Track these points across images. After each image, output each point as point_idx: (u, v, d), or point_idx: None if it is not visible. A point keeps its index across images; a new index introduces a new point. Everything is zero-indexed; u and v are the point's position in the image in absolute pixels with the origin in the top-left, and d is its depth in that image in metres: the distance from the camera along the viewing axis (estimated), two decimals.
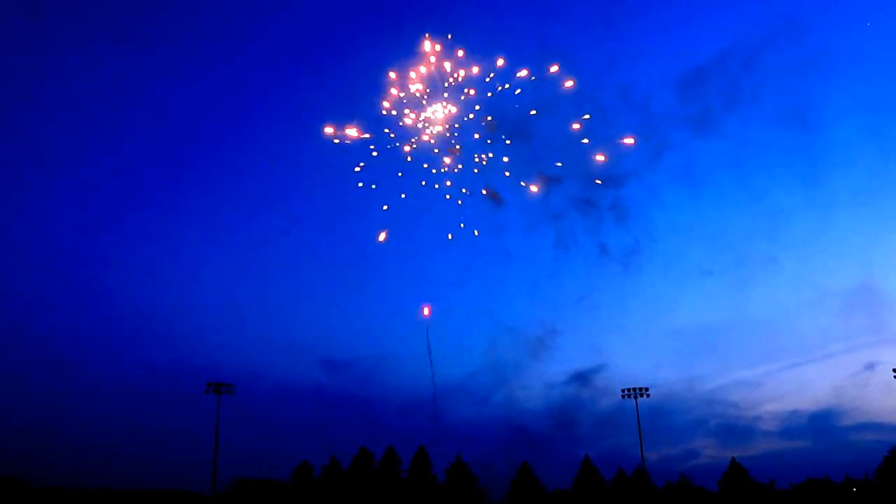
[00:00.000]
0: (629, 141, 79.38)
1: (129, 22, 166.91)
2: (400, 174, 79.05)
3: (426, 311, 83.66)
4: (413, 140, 77.82)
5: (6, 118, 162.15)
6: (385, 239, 79.90)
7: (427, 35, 75.28)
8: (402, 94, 76.51)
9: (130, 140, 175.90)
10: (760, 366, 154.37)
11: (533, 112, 77.44)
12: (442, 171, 78.97)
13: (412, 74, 76.04)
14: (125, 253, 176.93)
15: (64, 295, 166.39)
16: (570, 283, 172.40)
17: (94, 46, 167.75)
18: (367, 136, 77.13)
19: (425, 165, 78.57)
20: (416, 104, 76.79)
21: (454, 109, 76.80)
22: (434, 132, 77.43)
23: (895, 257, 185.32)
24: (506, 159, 79.61)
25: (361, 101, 79.92)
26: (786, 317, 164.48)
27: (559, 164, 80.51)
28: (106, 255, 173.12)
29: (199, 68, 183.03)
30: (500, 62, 75.96)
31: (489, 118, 77.98)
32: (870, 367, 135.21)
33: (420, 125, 77.37)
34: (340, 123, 77.24)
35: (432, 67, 75.74)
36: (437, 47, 75.18)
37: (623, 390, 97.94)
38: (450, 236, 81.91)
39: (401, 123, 77.13)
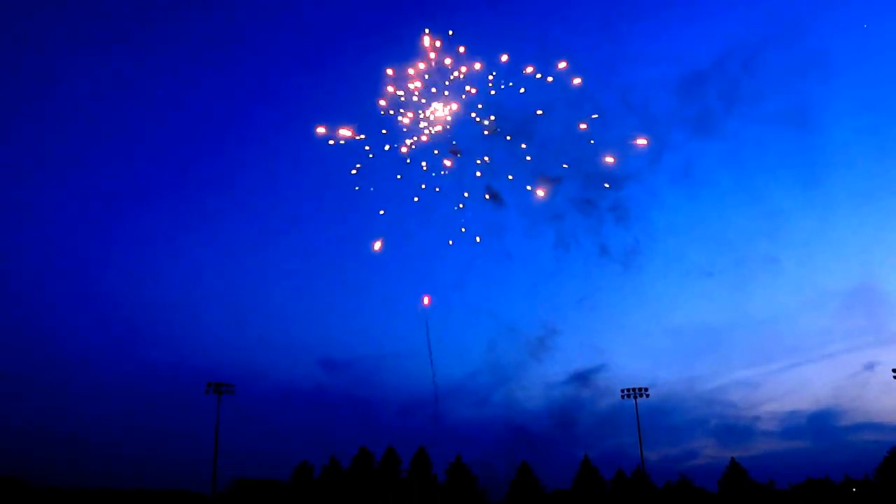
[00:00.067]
0: (642, 142, 79.46)
1: (129, 24, 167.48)
2: (399, 177, 78.93)
3: (426, 300, 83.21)
4: (411, 141, 77.71)
5: (7, 119, 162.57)
6: (381, 248, 79.65)
7: (427, 31, 74.95)
8: (400, 93, 76.33)
9: (130, 141, 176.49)
10: (760, 366, 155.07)
11: (539, 112, 77.26)
12: (441, 173, 78.88)
13: (410, 71, 75.76)
14: (125, 253, 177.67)
15: (64, 295, 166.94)
16: (570, 283, 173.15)
17: (94, 48, 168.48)
18: (361, 136, 76.95)
19: (424, 167, 78.50)
20: (416, 103, 76.64)
21: (455, 106, 76.55)
22: (434, 131, 77.31)
23: (895, 257, 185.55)
24: (507, 159, 79.60)
25: (363, 101, 79.51)
26: (786, 317, 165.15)
27: (565, 166, 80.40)
28: (106, 256, 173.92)
29: (200, 69, 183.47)
30: (504, 57, 75.53)
31: (493, 117, 77.79)
32: (869, 367, 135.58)
33: (421, 125, 77.29)
34: (341, 124, 77.07)
35: (432, 63, 75.46)
36: (438, 43, 74.85)
37: (623, 390, 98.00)
38: (450, 242, 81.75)
39: (399, 122, 77.03)
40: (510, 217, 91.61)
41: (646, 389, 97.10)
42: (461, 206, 78.88)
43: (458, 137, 78.20)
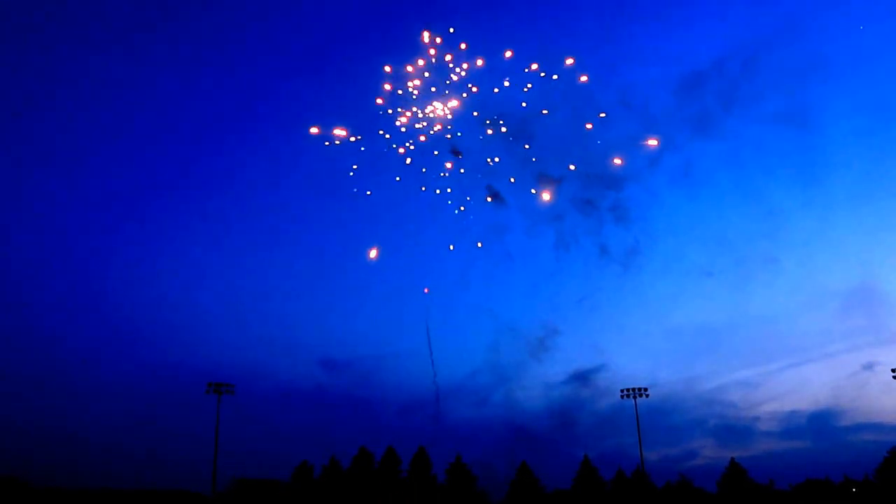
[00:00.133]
0: (653, 142, 79.72)
1: (130, 25, 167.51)
2: (398, 178, 79.00)
3: (426, 291, 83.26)
4: (411, 142, 77.73)
5: (9, 120, 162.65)
6: (376, 256, 79.77)
7: (427, 29, 74.94)
8: (400, 91, 76.32)
9: (130, 142, 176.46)
10: (760, 366, 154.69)
11: (545, 111, 77.43)
12: (441, 175, 78.89)
13: (409, 69, 75.69)
14: (125, 254, 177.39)
15: (64, 295, 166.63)
16: (570, 283, 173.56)
17: (95, 50, 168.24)
18: (358, 137, 77.02)
19: (424, 171, 78.58)
20: (417, 102, 76.64)
21: (456, 103, 76.54)
22: (434, 131, 77.33)
23: (894, 257, 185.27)
24: (508, 159, 79.62)
25: (365, 102, 79.73)
26: (785, 317, 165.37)
27: (573, 168, 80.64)
28: (106, 256, 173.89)
29: (200, 71, 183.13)
30: (509, 53, 75.48)
31: (498, 120, 77.81)
32: (869, 367, 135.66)
33: (421, 125, 77.27)
34: (342, 125, 77.15)
35: (432, 60, 75.44)
36: (438, 40, 74.81)
37: (622, 390, 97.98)
38: (451, 247, 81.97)
39: (399, 123, 77.04)
40: (511, 217, 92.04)
41: (645, 389, 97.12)
42: (462, 209, 79.03)
43: (458, 137, 78.30)
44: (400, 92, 76.25)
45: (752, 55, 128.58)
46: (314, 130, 76.25)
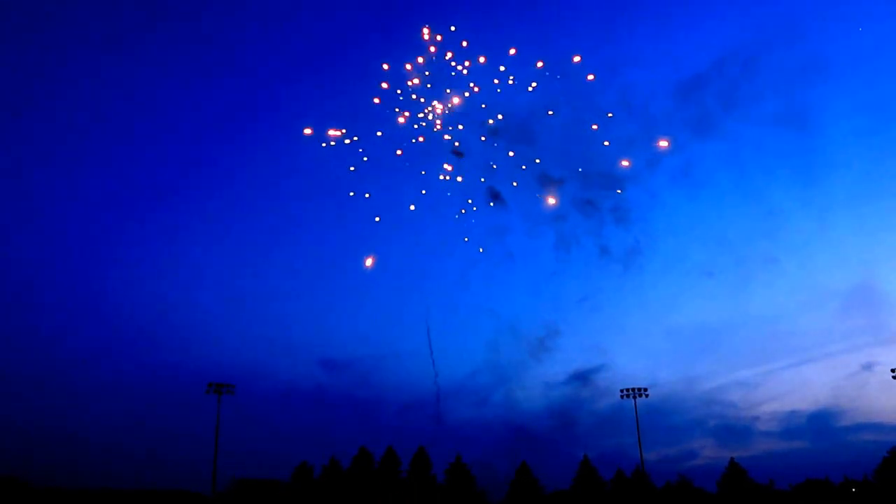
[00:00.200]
0: (664, 143, 79.94)
1: (130, 26, 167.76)
2: (399, 179, 78.99)
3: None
4: (412, 141, 77.71)
5: (9, 120, 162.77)
6: (373, 264, 79.79)
7: (427, 25, 74.93)
8: (398, 91, 76.31)
9: (130, 143, 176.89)
10: (759, 366, 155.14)
11: (550, 112, 77.54)
12: (443, 178, 78.86)
13: (408, 67, 75.70)
14: (126, 254, 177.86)
15: (65, 296, 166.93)
16: (571, 283, 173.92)
17: (95, 50, 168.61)
18: (355, 138, 76.98)
19: (423, 173, 78.60)
20: (416, 101, 76.65)
21: (457, 100, 76.53)
22: (435, 130, 77.33)
23: (894, 257, 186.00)
24: (509, 159, 79.65)
25: (366, 102, 79.72)
26: (785, 317, 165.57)
27: (580, 170, 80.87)
28: (107, 257, 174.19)
29: (201, 71, 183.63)
30: (512, 51, 75.40)
31: (499, 120, 77.82)
32: (868, 367, 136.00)
33: (421, 124, 77.24)
34: (342, 125, 77.18)
35: (432, 56, 75.40)
36: (438, 37, 74.78)
37: (622, 390, 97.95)
38: (451, 253, 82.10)
39: (399, 121, 77.02)
40: (512, 218, 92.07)
41: (645, 390, 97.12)
42: (463, 212, 79.06)
43: (459, 137, 78.28)
44: (399, 91, 76.32)
45: (752, 56, 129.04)
46: (307, 131, 76.43)
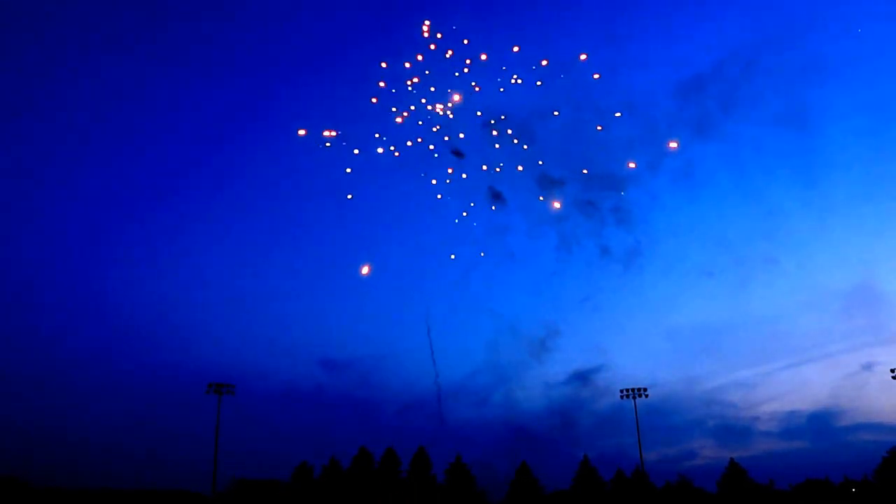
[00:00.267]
0: (673, 145, 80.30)
1: (130, 27, 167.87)
2: (399, 179, 79.02)
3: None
4: (413, 140, 77.72)
5: (10, 120, 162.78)
6: (368, 272, 79.88)
7: (427, 21, 74.86)
8: (393, 90, 76.23)
9: (130, 143, 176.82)
10: (759, 366, 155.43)
11: (556, 113, 77.61)
12: (445, 182, 78.92)
13: (407, 65, 75.67)
14: (126, 254, 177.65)
15: (65, 295, 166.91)
16: (572, 283, 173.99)
17: (95, 50, 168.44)
18: (353, 148, 76.92)
19: (423, 175, 78.61)
20: (416, 101, 76.65)
21: (458, 97, 76.48)
22: (435, 129, 77.35)
23: (894, 257, 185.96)
24: (509, 160, 79.68)
25: (365, 102, 79.75)
26: (785, 317, 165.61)
27: (585, 171, 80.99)
28: (107, 257, 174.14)
29: (200, 71, 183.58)
30: (516, 48, 75.41)
31: (503, 117, 77.80)
32: (868, 367, 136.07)
33: (422, 122, 77.21)
34: (343, 125, 77.23)
35: (432, 53, 75.28)
36: (439, 35, 74.75)
37: (622, 391, 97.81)
38: (452, 256, 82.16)
39: (398, 120, 76.99)
40: (513, 218, 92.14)
41: (645, 390, 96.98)
42: (465, 214, 79.11)
43: (459, 136, 78.30)
44: (393, 91, 76.29)
45: (752, 57, 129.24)
46: (301, 133, 76.55)
